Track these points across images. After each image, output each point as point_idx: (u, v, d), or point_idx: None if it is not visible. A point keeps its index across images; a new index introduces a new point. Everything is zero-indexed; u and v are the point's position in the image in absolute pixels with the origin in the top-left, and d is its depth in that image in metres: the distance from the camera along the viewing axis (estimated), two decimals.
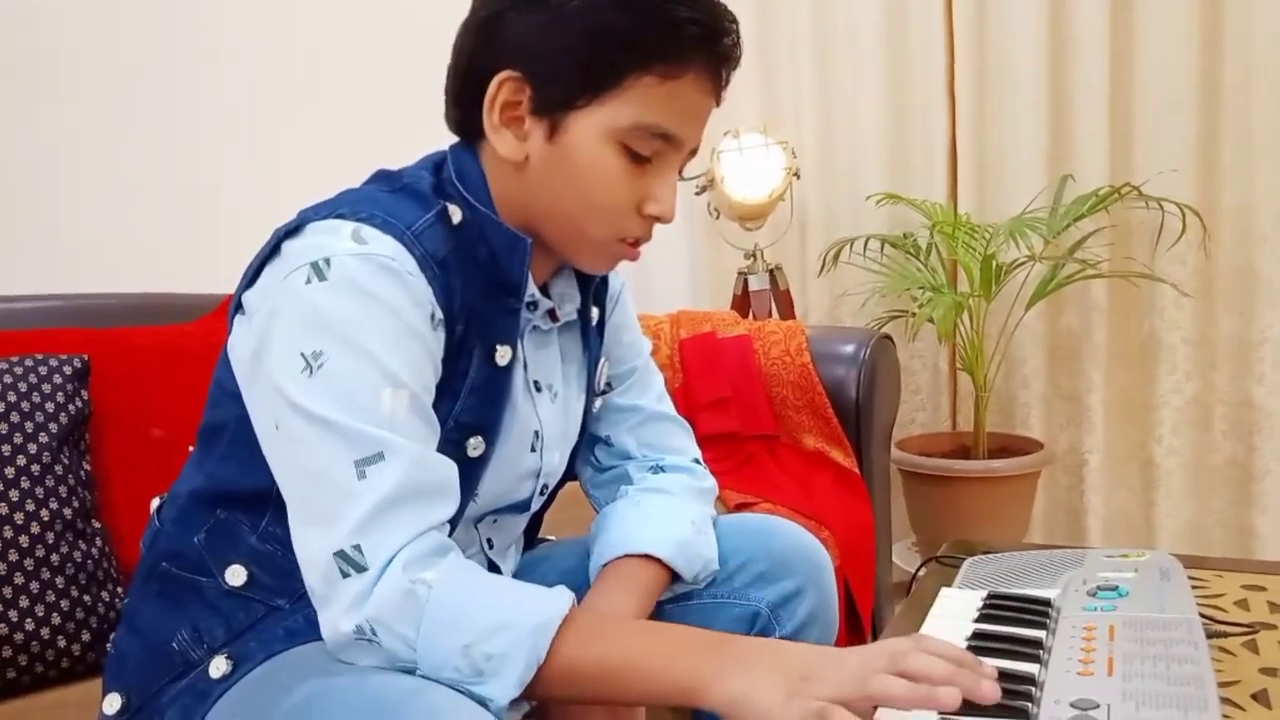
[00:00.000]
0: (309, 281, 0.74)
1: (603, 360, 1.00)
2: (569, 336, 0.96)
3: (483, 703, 0.69)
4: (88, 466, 1.25)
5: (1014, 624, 0.83)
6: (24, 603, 1.12)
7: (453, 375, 0.82)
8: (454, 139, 0.88)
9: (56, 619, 1.14)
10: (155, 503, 0.90)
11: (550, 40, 0.79)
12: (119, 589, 1.21)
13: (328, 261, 0.75)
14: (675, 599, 0.94)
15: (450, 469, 0.78)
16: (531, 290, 0.87)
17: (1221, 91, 2.14)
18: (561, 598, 0.74)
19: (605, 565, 0.92)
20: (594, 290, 0.96)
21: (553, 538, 1.10)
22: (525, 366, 0.90)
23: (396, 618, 0.70)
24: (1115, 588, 0.87)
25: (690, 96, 0.82)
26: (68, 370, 1.25)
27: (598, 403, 1.01)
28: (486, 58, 0.81)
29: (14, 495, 1.15)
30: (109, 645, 0.89)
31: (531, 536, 1.06)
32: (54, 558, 1.15)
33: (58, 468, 1.19)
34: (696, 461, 1.05)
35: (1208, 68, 2.14)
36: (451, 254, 0.80)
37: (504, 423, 0.87)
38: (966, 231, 2.18)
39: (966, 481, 2.15)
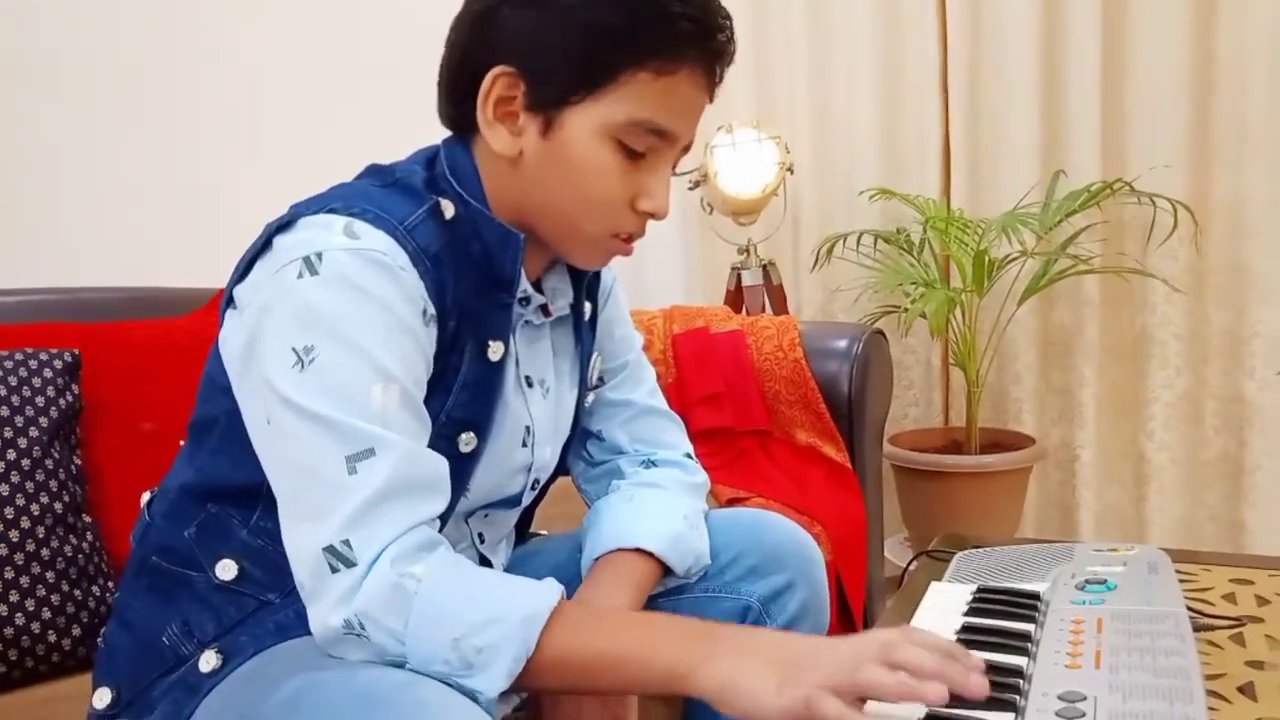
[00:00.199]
0: (301, 276, 0.74)
1: (595, 355, 1.00)
2: (561, 331, 0.97)
3: (473, 696, 0.69)
4: (78, 461, 1.25)
5: (1003, 617, 0.83)
6: (14, 597, 1.12)
7: (445, 371, 0.82)
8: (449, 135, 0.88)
9: (47, 614, 1.14)
10: (146, 497, 0.90)
11: (545, 36, 0.79)
12: (110, 584, 1.21)
13: (320, 256, 0.75)
14: (667, 593, 0.95)
15: (441, 464, 0.78)
16: (524, 285, 0.87)
17: (1213, 87, 2.15)
18: (550, 590, 0.74)
19: (597, 559, 0.92)
20: (586, 285, 0.96)
21: (545, 532, 1.10)
22: (517, 362, 0.90)
23: (385, 612, 0.70)
24: (1104, 581, 0.88)
25: (685, 92, 0.82)
26: (58, 364, 1.25)
27: (589, 398, 1.01)
28: (481, 53, 0.81)
29: (4, 490, 1.14)
30: (99, 640, 0.89)
31: (523, 531, 1.06)
32: (44, 552, 1.15)
33: (48, 462, 1.19)
34: (688, 456, 1.06)
35: (1200, 64, 2.15)
36: (444, 249, 0.80)
37: (496, 418, 0.87)
38: (959, 227, 2.18)
39: (959, 477, 2.16)
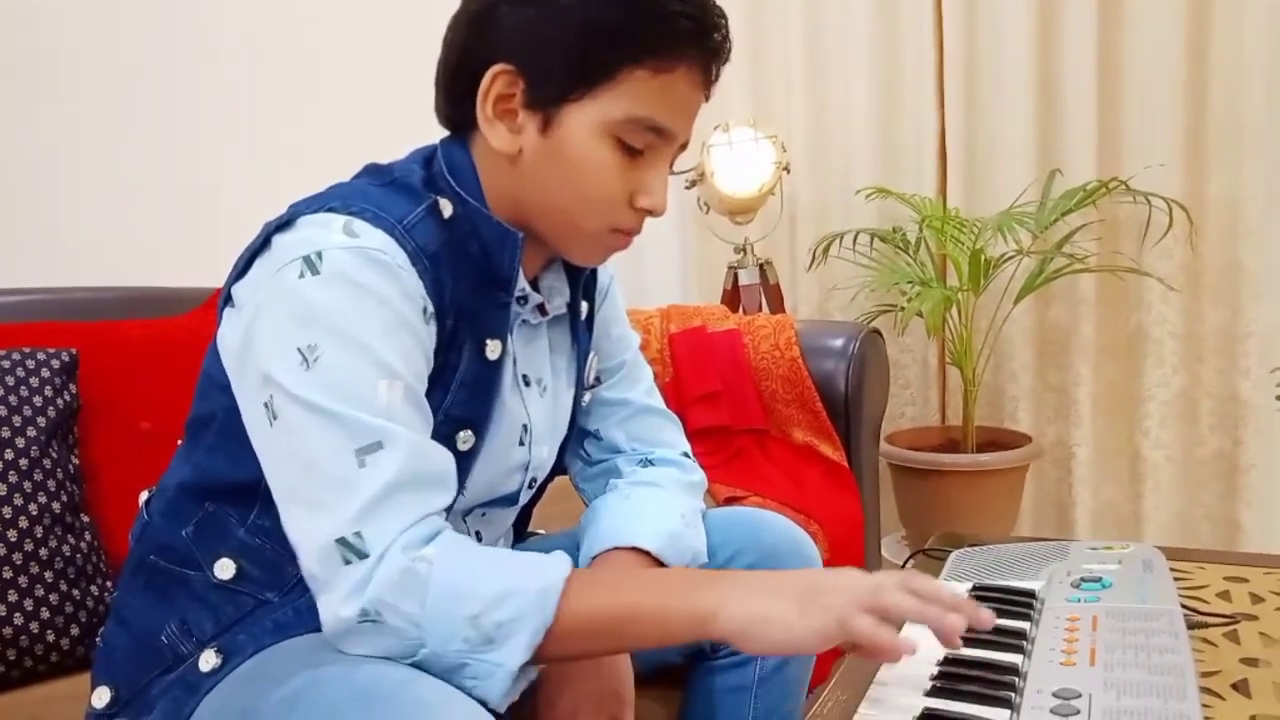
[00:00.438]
0: (302, 276, 0.75)
1: (592, 354, 1.01)
2: (558, 330, 0.97)
3: (476, 697, 0.69)
4: (76, 460, 1.25)
5: (998, 615, 0.84)
6: (12, 597, 1.12)
7: (443, 369, 0.82)
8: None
9: (45, 613, 1.14)
10: (144, 496, 0.90)
11: (544, 34, 0.79)
12: (108, 583, 1.21)
13: (320, 255, 0.75)
14: None
15: (447, 458, 0.78)
16: (521, 284, 0.87)
17: (1209, 87, 2.15)
18: (562, 561, 0.75)
19: (595, 558, 0.92)
20: (583, 284, 0.97)
21: (542, 531, 1.10)
22: (515, 361, 0.90)
23: (400, 596, 0.71)
24: (1099, 579, 0.88)
25: (682, 90, 0.82)
26: (56, 364, 1.25)
27: (586, 396, 1.02)
28: (479, 51, 0.81)
29: (2, 489, 1.14)
30: (98, 639, 0.89)
31: (521, 530, 1.06)
32: (42, 552, 1.15)
33: (46, 461, 1.19)
34: (686, 455, 1.06)
35: (1195, 63, 2.15)
36: (442, 248, 0.81)
37: (493, 417, 0.87)
38: (955, 226, 2.18)
39: (955, 475, 2.16)
